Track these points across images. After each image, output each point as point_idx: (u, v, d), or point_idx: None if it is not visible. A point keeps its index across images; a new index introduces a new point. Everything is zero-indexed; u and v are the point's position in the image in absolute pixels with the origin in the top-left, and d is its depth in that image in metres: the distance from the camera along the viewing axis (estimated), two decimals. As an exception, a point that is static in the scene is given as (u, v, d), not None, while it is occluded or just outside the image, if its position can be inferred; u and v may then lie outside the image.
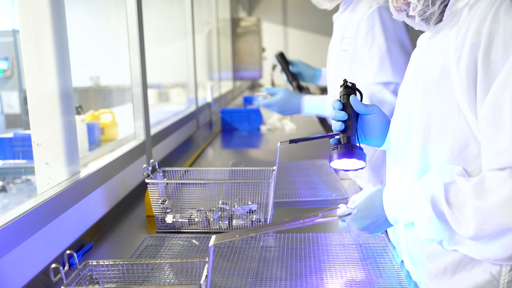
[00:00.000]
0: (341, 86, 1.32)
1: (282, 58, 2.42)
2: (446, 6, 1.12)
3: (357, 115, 1.29)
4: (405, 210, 1.09)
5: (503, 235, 0.93)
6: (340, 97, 1.31)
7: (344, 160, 1.23)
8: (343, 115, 1.24)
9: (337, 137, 1.27)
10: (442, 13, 1.14)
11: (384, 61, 2.01)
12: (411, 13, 1.15)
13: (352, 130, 1.24)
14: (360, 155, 1.22)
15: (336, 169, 1.30)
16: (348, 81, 1.32)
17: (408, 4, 1.15)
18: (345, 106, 1.27)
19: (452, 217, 0.97)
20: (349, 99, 1.27)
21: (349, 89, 1.30)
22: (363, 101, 2.00)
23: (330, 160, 1.24)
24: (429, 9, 1.12)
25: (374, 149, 2.07)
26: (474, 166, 1.02)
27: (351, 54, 2.11)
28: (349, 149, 1.21)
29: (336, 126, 1.25)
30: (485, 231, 0.93)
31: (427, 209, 1.01)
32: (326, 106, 2.16)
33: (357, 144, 1.24)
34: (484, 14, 0.99)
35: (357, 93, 1.31)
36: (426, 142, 1.09)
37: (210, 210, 1.64)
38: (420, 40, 1.24)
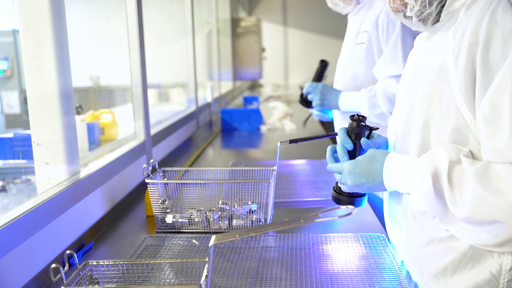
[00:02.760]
0: (350, 119, 1.27)
1: (323, 65, 2.41)
2: (443, 6, 1.12)
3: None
4: (404, 179, 1.09)
5: (493, 223, 0.94)
6: (349, 131, 1.27)
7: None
8: (347, 159, 1.25)
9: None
10: (439, 13, 1.14)
11: (397, 53, 2.04)
12: (408, 13, 1.15)
13: None
14: (358, 202, 1.26)
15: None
16: (359, 115, 1.27)
17: (405, 5, 1.15)
18: (356, 144, 1.26)
19: (450, 195, 0.98)
20: (358, 138, 1.25)
21: (358, 126, 1.26)
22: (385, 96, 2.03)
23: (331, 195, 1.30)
24: (426, 10, 1.13)
25: None
26: (474, 163, 1.02)
27: (367, 46, 2.16)
28: (351, 198, 1.26)
29: (342, 157, 1.26)
30: (478, 216, 0.94)
31: (427, 182, 1.01)
32: (358, 102, 2.19)
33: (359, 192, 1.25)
34: (481, 14, 0.99)
35: (367, 130, 1.28)
36: (425, 141, 1.10)
37: (210, 210, 1.64)
38: (418, 41, 1.24)
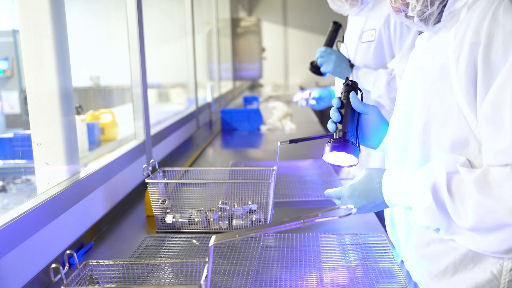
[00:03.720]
0: (343, 84, 1.33)
1: (336, 28, 2.30)
2: (444, 6, 1.12)
3: (358, 114, 1.30)
4: (404, 195, 1.09)
5: (500, 229, 0.94)
6: (341, 94, 1.31)
7: (335, 154, 1.23)
8: (338, 117, 1.25)
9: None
10: (440, 13, 1.14)
11: (411, 49, 2.05)
12: (410, 13, 1.15)
13: (347, 126, 1.25)
14: (351, 150, 1.23)
15: (332, 164, 1.31)
16: (350, 78, 1.33)
17: (407, 4, 1.15)
18: (345, 103, 1.28)
19: (452, 207, 0.98)
20: (349, 96, 1.28)
21: (350, 86, 1.31)
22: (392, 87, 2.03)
23: (322, 153, 1.26)
24: (428, 10, 1.13)
25: None
26: (474, 165, 1.02)
27: (376, 44, 2.17)
28: (341, 143, 1.23)
29: (330, 126, 1.27)
30: (483, 223, 0.94)
31: (427, 196, 1.01)
32: (371, 81, 2.16)
33: (352, 141, 1.24)
34: (483, 14, 0.99)
35: (358, 91, 1.32)
36: (425, 142, 1.09)
37: (210, 210, 1.64)
38: (419, 41, 1.24)
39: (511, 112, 0.92)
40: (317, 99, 2.58)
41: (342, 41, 2.29)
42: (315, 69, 2.29)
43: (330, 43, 2.29)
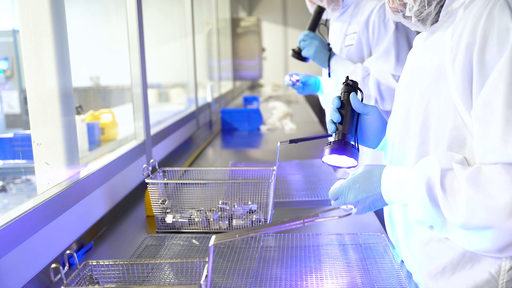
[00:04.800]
0: (343, 83, 1.32)
1: (319, 11, 2.26)
2: (442, 6, 1.12)
3: (358, 114, 1.29)
4: (400, 191, 1.10)
5: (491, 227, 0.94)
6: (341, 93, 1.31)
7: (335, 156, 1.23)
8: (338, 117, 1.25)
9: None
10: (438, 13, 1.14)
11: (390, 52, 2.07)
12: (407, 14, 1.15)
13: (347, 127, 1.25)
14: (352, 153, 1.22)
15: (332, 166, 1.30)
16: (350, 78, 1.32)
17: (404, 5, 1.16)
18: (345, 103, 1.27)
19: (444, 202, 0.98)
20: (349, 96, 1.27)
21: (350, 87, 1.30)
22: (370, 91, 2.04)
23: (322, 155, 1.25)
24: (425, 10, 1.13)
25: None
26: (472, 163, 1.02)
27: (356, 47, 2.17)
28: (341, 145, 1.22)
29: (330, 126, 1.27)
30: (474, 221, 0.94)
31: (420, 191, 1.02)
32: (347, 73, 2.14)
33: (352, 143, 1.24)
34: (479, 13, 0.99)
35: (358, 91, 1.31)
36: (423, 141, 1.10)
37: (210, 210, 1.64)
38: (416, 41, 1.24)
39: (501, 111, 0.92)
40: (303, 83, 2.57)
41: (325, 25, 2.27)
42: (297, 54, 2.27)
43: (313, 27, 2.27)
